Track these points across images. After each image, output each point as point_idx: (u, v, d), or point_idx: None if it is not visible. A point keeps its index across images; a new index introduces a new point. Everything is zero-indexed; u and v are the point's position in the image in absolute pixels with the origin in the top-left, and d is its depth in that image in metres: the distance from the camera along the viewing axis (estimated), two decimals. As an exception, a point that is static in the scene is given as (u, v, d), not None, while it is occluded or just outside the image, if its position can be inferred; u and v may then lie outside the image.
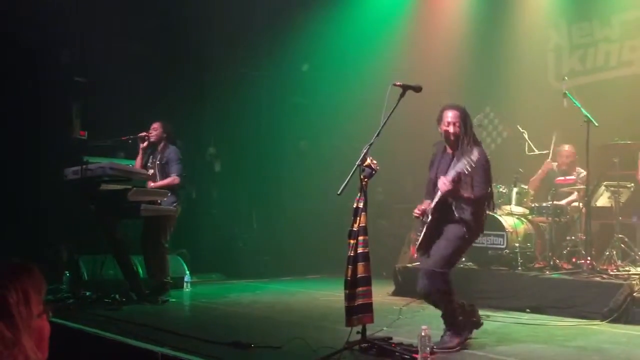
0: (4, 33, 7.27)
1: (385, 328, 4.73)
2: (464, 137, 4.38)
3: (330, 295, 6.99)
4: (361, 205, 4.07)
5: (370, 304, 4.01)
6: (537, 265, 6.63)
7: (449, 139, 4.45)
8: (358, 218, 4.05)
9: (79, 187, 6.33)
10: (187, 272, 7.65)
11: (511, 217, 6.86)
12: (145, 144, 6.80)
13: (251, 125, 10.01)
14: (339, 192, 3.97)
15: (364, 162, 4.06)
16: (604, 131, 6.40)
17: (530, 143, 7.37)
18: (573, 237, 6.68)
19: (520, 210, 7.07)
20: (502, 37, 9.05)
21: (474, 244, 4.80)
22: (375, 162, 4.07)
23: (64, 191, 6.75)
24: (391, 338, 4.24)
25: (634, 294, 5.31)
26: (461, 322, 4.40)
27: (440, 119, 4.50)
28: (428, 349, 3.61)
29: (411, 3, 9.95)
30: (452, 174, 4.21)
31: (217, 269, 9.08)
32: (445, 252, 4.29)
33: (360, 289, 3.98)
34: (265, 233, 9.82)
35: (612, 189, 6.54)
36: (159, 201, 6.51)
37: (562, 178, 7.13)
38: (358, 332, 4.05)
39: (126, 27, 8.15)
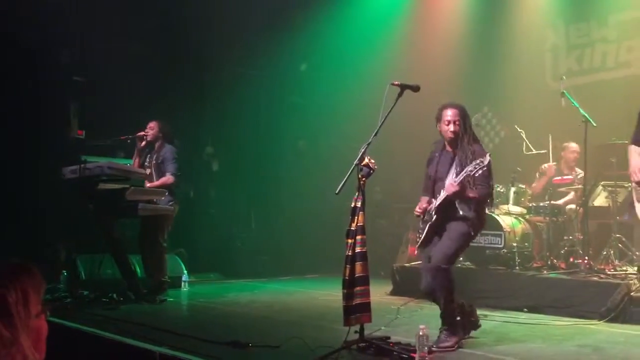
0: (3, 33, 7.26)
1: (383, 327, 4.73)
2: (464, 135, 4.41)
3: (328, 294, 7.00)
4: (359, 204, 4.07)
5: (368, 304, 4.02)
6: (534, 265, 6.64)
7: (449, 138, 4.47)
8: (356, 217, 4.05)
9: (76, 186, 6.32)
10: (185, 271, 7.65)
11: (509, 216, 6.87)
12: (143, 143, 6.80)
13: (249, 124, 10.01)
14: (337, 192, 3.99)
15: (362, 162, 4.07)
16: (602, 131, 6.42)
17: (527, 143, 7.38)
18: (570, 237, 6.70)
19: (518, 209, 7.08)
20: (500, 37, 9.06)
21: (471, 244, 4.81)
22: (373, 161, 4.08)
23: (62, 190, 6.75)
24: (389, 337, 4.25)
25: (632, 294, 5.32)
26: (459, 322, 4.41)
27: (439, 118, 4.51)
28: (426, 348, 3.61)
29: (409, 3, 9.96)
30: (460, 176, 4.22)
31: (215, 268, 9.08)
32: (449, 250, 4.33)
33: (358, 288, 3.98)
34: (263, 232, 9.82)
35: (610, 188, 6.55)
36: (156, 200, 6.51)
37: (560, 178, 7.14)
38: (356, 332, 4.05)
39: (124, 27, 8.15)
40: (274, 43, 9.58)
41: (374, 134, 4.17)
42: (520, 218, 6.97)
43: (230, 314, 6.06)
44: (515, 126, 7.51)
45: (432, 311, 5.99)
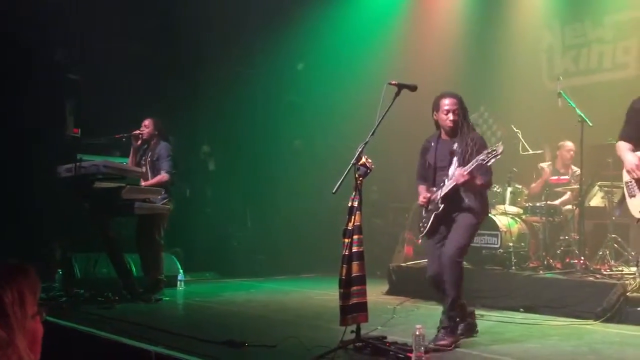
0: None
1: (379, 327, 4.73)
2: (463, 124, 4.46)
3: (324, 294, 7.00)
4: (356, 204, 4.07)
5: (365, 303, 4.01)
6: (530, 265, 6.65)
7: (448, 127, 4.50)
8: (353, 217, 4.05)
9: (72, 184, 6.30)
10: (181, 270, 7.64)
11: (505, 216, 6.88)
12: (139, 142, 6.79)
13: (246, 123, 9.99)
14: (334, 191, 3.98)
15: (359, 161, 4.06)
16: (598, 131, 6.42)
17: (524, 142, 7.39)
18: (567, 237, 6.71)
19: (514, 209, 7.09)
20: (497, 37, 9.07)
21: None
22: (370, 161, 4.07)
23: (57, 189, 6.72)
24: (385, 337, 4.24)
25: (627, 294, 5.33)
26: (458, 323, 4.43)
27: (437, 107, 4.54)
28: (422, 348, 3.60)
29: (406, 3, 9.96)
30: (471, 165, 4.24)
31: (211, 267, 9.06)
32: (461, 243, 4.39)
33: (354, 288, 3.98)
34: (259, 232, 9.80)
35: (606, 189, 6.57)
36: (151, 199, 6.49)
37: (556, 177, 7.16)
38: (352, 331, 4.04)
39: (121, 25, 8.12)
40: (270, 42, 9.57)
41: (371, 134, 4.17)
42: (516, 218, 6.98)
43: (226, 313, 6.05)
44: (512, 126, 7.52)
45: (428, 311, 6.02)
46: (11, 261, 1.72)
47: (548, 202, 6.82)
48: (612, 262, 6.30)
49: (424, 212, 4.64)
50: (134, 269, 6.86)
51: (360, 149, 4.10)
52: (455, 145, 4.47)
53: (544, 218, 6.80)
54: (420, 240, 4.82)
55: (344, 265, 4.00)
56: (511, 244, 6.64)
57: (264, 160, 10.15)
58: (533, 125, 7.72)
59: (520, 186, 7.27)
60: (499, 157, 4.17)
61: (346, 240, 4.03)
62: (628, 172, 4.49)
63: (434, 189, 4.57)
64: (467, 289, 5.99)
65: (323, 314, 5.70)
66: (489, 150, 4.19)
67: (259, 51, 9.75)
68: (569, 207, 6.90)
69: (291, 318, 5.63)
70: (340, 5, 9.68)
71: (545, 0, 9.02)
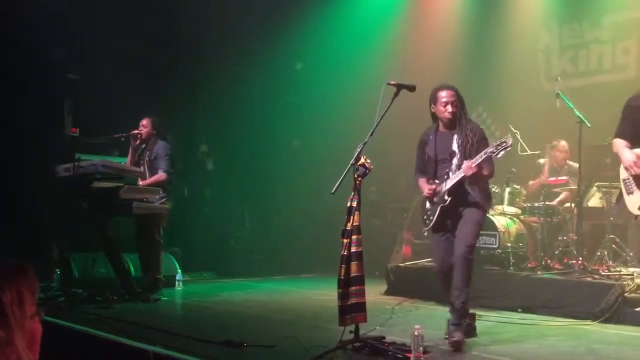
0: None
1: (378, 327, 4.72)
2: (461, 114, 4.48)
3: (323, 294, 6.99)
4: (355, 204, 4.06)
5: (364, 303, 4.01)
6: (529, 265, 6.66)
7: (447, 119, 4.52)
8: (352, 217, 4.05)
9: (70, 184, 6.29)
10: (179, 270, 7.63)
11: (503, 217, 6.89)
12: (137, 141, 6.78)
13: (244, 123, 9.98)
14: (332, 191, 3.98)
15: (358, 161, 4.06)
16: (597, 132, 6.43)
17: (522, 143, 7.39)
18: (565, 238, 6.72)
19: (512, 210, 7.10)
20: (495, 36, 9.08)
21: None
22: (369, 161, 4.07)
23: (56, 188, 6.71)
24: (384, 337, 4.23)
25: (625, 294, 5.33)
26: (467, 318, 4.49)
27: (434, 100, 4.56)
28: (421, 348, 3.61)
29: (404, 3, 9.96)
30: (480, 156, 4.26)
31: (209, 267, 9.06)
32: (472, 241, 4.45)
33: (353, 288, 3.98)
34: (257, 232, 9.80)
35: (604, 189, 6.58)
36: (149, 198, 6.48)
37: (554, 178, 7.17)
38: (351, 331, 4.04)
39: (120, 26, 8.12)
40: (269, 42, 9.57)
41: (370, 134, 4.17)
42: (514, 218, 6.99)
43: (224, 313, 6.04)
44: (510, 126, 7.51)
45: (426, 311, 6.04)
46: (10, 261, 1.72)
47: (546, 203, 6.83)
48: (610, 263, 6.30)
49: (427, 205, 4.64)
50: (132, 268, 6.86)
51: (359, 149, 4.10)
52: (454, 137, 4.47)
53: (542, 218, 6.81)
54: (425, 233, 4.81)
55: (343, 266, 4.00)
56: (509, 245, 6.65)
57: (262, 160, 10.14)
58: (531, 125, 7.73)
59: (518, 186, 7.28)
60: (508, 149, 4.19)
61: (345, 241, 4.03)
62: (626, 169, 4.48)
63: (437, 181, 4.57)
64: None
65: (321, 314, 5.69)
66: (498, 143, 4.22)
67: (257, 51, 9.75)
68: (567, 205, 6.90)
69: (290, 318, 5.63)
70: (339, 5, 9.68)
71: (543, 0, 9.02)
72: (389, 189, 9.78)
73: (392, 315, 5.45)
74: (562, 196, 7.07)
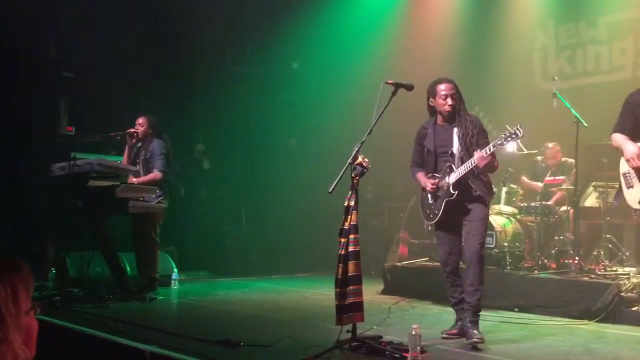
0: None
1: (375, 327, 4.71)
2: (461, 107, 4.50)
3: (319, 293, 6.99)
4: (352, 203, 4.05)
5: (361, 303, 4.00)
6: (525, 265, 6.66)
7: (447, 112, 4.52)
8: (349, 216, 4.03)
9: (66, 183, 6.26)
10: (175, 269, 7.61)
11: (500, 216, 6.89)
12: (134, 140, 6.76)
13: (241, 122, 9.97)
14: (330, 190, 3.97)
15: (356, 160, 4.05)
16: (593, 132, 6.43)
17: (519, 142, 7.39)
18: (561, 237, 6.72)
19: (509, 209, 7.10)
20: (491, 36, 9.08)
21: (463, 243, 4.82)
22: (367, 160, 4.06)
23: (51, 187, 6.68)
24: (381, 337, 4.23)
25: (622, 294, 5.34)
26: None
27: (433, 93, 4.56)
28: (418, 347, 3.59)
29: (401, 2, 9.95)
30: (492, 147, 4.27)
31: (205, 266, 9.04)
32: (483, 238, 4.51)
33: (351, 287, 3.96)
34: (254, 231, 9.78)
35: (600, 189, 6.58)
36: (145, 197, 6.46)
37: (551, 178, 7.17)
38: (348, 331, 4.03)
39: (116, 23, 8.10)
40: (265, 41, 9.56)
41: (367, 133, 4.16)
42: (511, 218, 6.99)
43: (221, 312, 6.03)
44: (507, 126, 7.48)
45: (423, 310, 6.04)
46: (3, 257, 1.70)
47: (543, 202, 6.83)
48: (607, 262, 6.30)
49: (430, 200, 4.61)
50: (128, 267, 6.83)
51: (356, 149, 4.08)
52: (455, 130, 4.47)
53: (538, 218, 6.81)
54: (429, 228, 4.79)
55: (340, 265, 3.98)
56: (506, 244, 6.65)
57: (259, 159, 10.13)
58: (528, 125, 7.68)
59: (515, 186, 7.28)
60: (519, 140, 4.19)
61: (342, 240, 4.02)
62: (628, 161, 4.44)
63: (437, 175, 4.56)
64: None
65: (318, 314, 5.67)
66: (508, 134, 4.21)
67: (254, 50, 9.74)
68: (564, 207, 6.91)
69: (286, 317, 5.62)
70: (335, 4, 9.66)
71: (539, 0, 9.03)
72: (385, 189, 9.77)
73: (389, 314, 5.46)
74: (558, 194, 7.07)
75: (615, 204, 5.66)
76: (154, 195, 6.50)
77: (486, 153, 4.27)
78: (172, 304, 6.68)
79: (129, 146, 6.80)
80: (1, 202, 7.24)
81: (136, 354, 3.91)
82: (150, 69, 8.55)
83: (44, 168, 6.52)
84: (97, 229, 6.47)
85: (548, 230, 6.89)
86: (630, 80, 7.89)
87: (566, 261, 6.44)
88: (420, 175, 4.70)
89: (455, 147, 4.46)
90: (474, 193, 4.45)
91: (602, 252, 6.38)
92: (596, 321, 5.25)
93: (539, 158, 7.45)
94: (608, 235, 6.44)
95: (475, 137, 4.44)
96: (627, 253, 6.43)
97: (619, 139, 4.52)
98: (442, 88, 4.52)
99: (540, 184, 7.23)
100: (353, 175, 4.07)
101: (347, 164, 4.06)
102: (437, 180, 4.55)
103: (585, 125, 6.20)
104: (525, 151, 7.37)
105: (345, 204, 4.08)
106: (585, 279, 5.80)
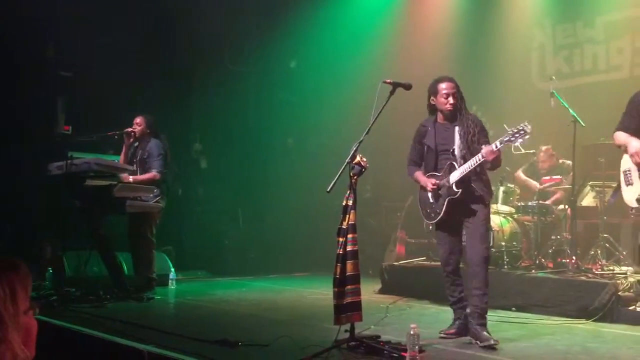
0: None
1: (372, 326, 4.71)
2: (462, 106, 4.51)
3: (317, 293, 7.00)
4: (351, 202, 4.04)
5: (359, 302, 3.99)
6: (522, 264, 6.66)
7: (448, 110, 4.52)
8: (347, 216, 4.02)
9: (63, 182, 6.25)
10: (173, 269, 7.60)
11: (497, 215, 6.89)
12: (131, 139, 6.75)
13: (238, 122, 9.96)
14: (328, 190, 3.96)
15: (354, 160, 4.04)
16: (590, 131, 6.45)
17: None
18: (558, 237, 6.74)
19: (506, 209, 7.10)
20: (489, 36, 9.08)
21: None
22: (365, 159, 4.05)
23: (48, 186, 6.66)
24: (379, 336, 4.23)
25: (619, 293, 5.35)
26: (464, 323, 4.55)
27: (435, 91, 4.56)
28: (417, 347, 3.59)
29: (398, 1, 9.95)
30: (501, 143, 4.26)
31: (202, 266, 9.03)
32: (487, 241, 4.55)
33: (349, 287, 3.96)
34: (251, 230, 9.78)
35: (598, 188, 6.59)
36: (142, 197, 6.45)
37: (548, 177, 7.18)
38: (346, 331, 4.02)
39: (113, 22, 8.07)
40: (263, 40, 9.55)
41: (365, 132, 4.15)
42: (508, 217, 7.00)
43: (218, 312, 6.02)
44: (504, 125, 7.51)
45: (420, 310, 6.04)
46: (1, 257, 1.69)
47: (540, 202, 6.84)
48: (604, 262, 6.32)
49: (431, 199, 4.59)
50: (125, 267, 6.82)
51: (355, 148, 4.08)
52: (457, 129, 4.47)
53: (536, 217, 6.82)
54: (430, 228, 4.77)
55: (339, 264, 3.97)
56: (503, 243, 6.66)
57: (257, 158, 10.12)
58: (508, 130, 7.73)
59: (512, 185, 7.29)
60: (527, 137, 4.18)
61: (341, 239, 4.01)
62: (631, 156, 4.42)
63: (436, 174, 4.55)
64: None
65: (316, 313, 5.67)
66: (516, 130, 4.21)
67: (252, 49, 9.73)
68: (561, 207, 6.92)
69: (284, 317, 5.61)
70: (333, 3, 9.66)
71: (536, 0, 9.04)
72: (383, 188, 9.78)
73: (387, 314, 5.45)
74: (556, 195, 7.08)
75: (612, 201, 5.66)
76: (151, 195, 6.49)
77: (496, 147, 4.26)
78: (170, 304, 6.67)
79: (126, 145, 6.78)
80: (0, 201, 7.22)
81: (134, 353, 3.90)
82: (147, 68, 8.53)
83: (41, 167, 6.50)
84: (95, 228, 6.46)
85: (545, 229, 6.90)
86: (628, 80, 7.92)
87: (563, 260, 6.45)
88: (419, 174, 4.68)
89: (457, 145, 4.45)
90: (476, 193, 4.45)
91: (599, 252, 6.39)
92: (593, 320, 5.26)
93: (537, 158, 7.46)
94: (605, 235, 6.45)
95: (477, 136, 4.44)
96: (624, 252, 6.44)
97: (622, 136, 4.52)
98: (444, 87, 4.51)
99: (537, 184, 7.24)
100: (351, 174, 4.07)
101: (346, 163, 4.06)
102: (438, 179, 4.53)
103: (583, 124, 6.20)
104: (523, 151, 7.36)
105: (344, 204, 4.07)
106: (583, 278, 5.80)
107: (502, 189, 7.13)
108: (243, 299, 6.83)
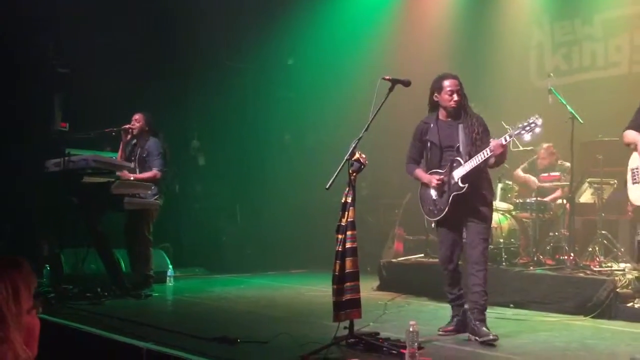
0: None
1: (371, 323, 4.71)
2: (465, 103, 4.50)
3: (315, 290, 7.00)
4: (350, 199, 4.03)
5: (359, 299, 3.99)
6: (521, 261, 6.66)
7: (452, 107, 4.51)
8: (346, 213, 4.01)
9: (60, 179, 6.22)
10: (170, 266, 7.59)
11: (496, 212, 6.86)
12: (129, 136, 6.73)
13: (236, 119, 9.94)
14: (327, 187, 3.94)
15: (353, 156, 4.03)
16: (588, 128, 6.45)
17: (515, 139, 7.39)
18: (556, 233, 6.74)
19: (504, 206, 7.10)
20: (488, 33, 9.07)
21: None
22: (364, 156, 4.04)
23: (45, 183, 6.64)
24: (378, 333, 4.22)
25: (617, 290, 5.36)
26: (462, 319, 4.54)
27: (439, 88, 4.54)
28: (416, 344, 3.59)
29: (397, -1, 9.96)
30: (510, 136, 4.27)
31: (200, 263, 9.02)
32: (489, 236, 4.57)
33: (348, 284, 3.95)
34: (249, 227, 9.77)
35: (596, 185, 6.59)
36: (140, 194, 6.43)
37: (547, 174, 7.18)
38: (345, 327, 4.02)
39: (111, 19, 8.04)
40: (261, 37, 9.52)
41: (364, 129, 4.13)
42: (506, 214, 7.00)
43: (216, 309, 6.01)
44: (502, 122, 7.51)
45: (419, 307, 6.04)
46: (3, 255, 1.67)
47: (538, 199, 6.84)
48: (602, 258, 6.33)
49: (434, 196, 4.56)
50: (122, 264, 6.80)
51: (354, 144, 4.07)
52: (461, 126, 4.46)
53: (534, 214, 6.82)
54: (433, 225, 4.74)
55: (338, 261, 3.96)
56: (501, 240, 6.66)
57: (254, 155, 10.11)
58: (516, 123, 7.73)
59: (510, 182, 7.29)
60: (538, 130, 4.17)
61: (340, 236, 4.00)
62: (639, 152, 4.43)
63: (438, 171, 4.53)
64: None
65: (314, 310, 5.67)
66: (526, 124, 4.20)
67: (250, 46, 9.70)
68: (559, 202, 6.93)
69: (282, 314, 5.61)
70: (331, 0, 9.63)
71: (535, -3, 9.06)
72: (380, 185, 9.77)
73: (385, 311, 5.45)
74: (556, 193, 7.09)
75: (618, 197, 5.65)
76: (149, 192, 6.47)
77: (505, 140, 4.26)
78: (168, 301, 6.67)
79: (123, 142, 6.76)
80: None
81: (132, 351, 3.89)
82: (145, 65, 8.50)
83: (39, 164, 6.47)
84: (92, 225, 6.43)
85: (543, 226, 6.90)
86: (626, 77, 7.93)
87: (561, 257, 6.45)
88: (420, 172, 4.67)
89: (462, 142, 4.44)
90: (479, 190, 4.45)
91: (597, 248, 6.40)
92: (592, 317, 5.27)
93: (536, 157, 7.45)
94: (603, 232, 6.45)
95: (481, 135, 4.43)
96: (622, 249, 6.45)
97: (632, 134, 4.53)
98: (448, 84, 4.50)
99: (535, 179, 7.24)
100: (350, 171, 4.05)
101: (345, 159, 4.04)
102: (441, 175, 4.50)
103: (581, 121, 6.20)
104: (521, 148, 7.38)
105: (343, 200, 4.06)
106: (581, 275, 5.81)
107: (500, 186, 7.13)
108: (241, 296, 6.82)
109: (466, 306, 4.55)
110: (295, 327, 4.68)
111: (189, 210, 9.55)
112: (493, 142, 4.28)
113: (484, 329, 4.33)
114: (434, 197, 4.57)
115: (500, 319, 5.29)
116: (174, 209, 8.45)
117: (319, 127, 10.00)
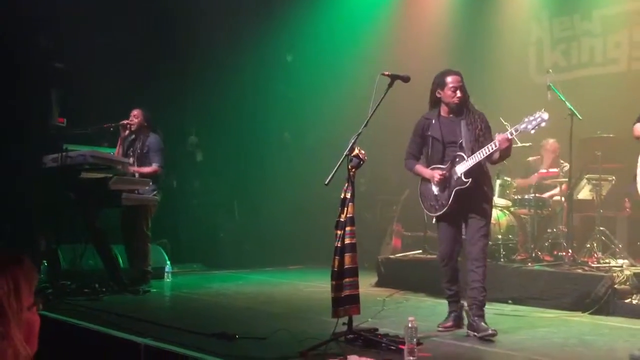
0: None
1: (370, 319, 4.71)
2: (467, 100, 4.51)
3: (313, 286, 7.00)
4: (349, 195, 4.03)
5: (357, 295, 3.98)
6: (519, 257, 6.68)
7: (455, 104, 4.50)
8: (345, 208, 4.01)
9: (58, 175, 6.20)
10: (168, 262, 7.57)
11: (494, 209, 6.85)
12: (127, 132, 6.71)
13: (234, 115, 9.91)
14: (326, 182, 3.93)
15: (352, 152, 4.02)
16: (587, 125, 6.45)
17: (515, 137, 7.38)
18: (554, 230, 6.76)
19: (503, 202, 7.11)
20: (486, 29, 9.07)
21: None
22: (363, 152, 4.03)
23: (43, 179, 6.62)
24: (377, 329, 4.23)
25: (615, 286, 5.37)
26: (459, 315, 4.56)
27: (442, 85, 4.53)
28: (415, 340, 3.59)
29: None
30: (517, 131, 4.27)
31: (198, 259, 9.01)
32: (488, 233, 4.57)
33: (347, 280, 3.95)
34: (247, 223, 9.76)
35: (594, 182, 6.60)
36: (139, 190, 6.41)
37: (545, 171, 7.18)
38: (344, 323, 4.01)
39: (109, 14, 8.00)
40: (260, 33, 9.49)
41: (364, 125, 4.12)
42: (505, 210, 7.00)
43: (214, 305, 6.00)
44: (501, 118, 7.52)
45: (417, 303, 6.05)
46: (4, 251, 1.66)
47: (537, 195, 6.85)
48: (600, 255, 6.34)
49: (436, 191, 4.55)
50: (120, 260, 6.79)
51: (353, 140, 4.06)
52: (463, 123, 4.46)
53: (532, 210, 6.83)
54: (434, 220, 4.72)
55: (337, 257, 3.96)
56: (500, 237, 6.66)
57: (252, 150, 10.10)
58: (522, 118, 7.73)
59: (509, 179, 7.28)
60: (544, 124, 4.17)
61: (339, 232, 3.99)
62: None
63: (440, 166, 4.52)
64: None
65: (312, 306, 5.67)
66: (532, 118, 4.20)
67: (248, 42, 9.67)
68: (558, 198, 6.94)
69: (280, 310, 5.60)
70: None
71: (534, -7, 9.05)
72: (378, 181, 9.77)
73: (384, 307, 5.45)
74: (554, 191, 7.09)
75: (630, 189, 5.61)
76: (147, 188, 6.46)
77: (511, 135, 4.26)
78: (166, 297, 6.65)
79: (121, 138, 6.75)
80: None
81: (130, 346, 3.89)
82: (143, 61, 8.46)
83: (36, 160, 6.45)
84: (90, 221, 6.42)
85: (541, 222, 6.91)
86: (625, 73, 7.93)
87: (559, 253, 6.47)
88: (421, 167, 4.65)
89: (465, 138, 4.43)
90: (481, 186, 4.45)
91: (595, 245, 6.42)
92: (590, 313, 5.28)
93: (531, 159, 7.45)
94: (601, 228, 6.47)
95: (483, 131, 4.43)
96: (620, 245, 6.47)
97: None
98: (451, 80, 4.50)
99: (534, 176, 7.24)
100: (349, 167, 4.04)
101: (344, 155, 4.03)
102: (444, 171, 4.49)
103: (580, 117, 6.20)
104: (519, 144, 7.37)
105: (342, 196, 4.05)
106: (579, 271, 5.83)
107: (498, 182, 7.13)
108: (239, 292, 6.81)
109: (463, 302, 4.55)
110: (294, 323, 4.68)
111: (187, 206, 9.53)
112: (499, 136, 4.28)
113: (483, 324, 4.33)
114: (436, 193, 4.56)
115: (498, 315, 5.30)
116: (172, 205, 8.43)
117: (318, 123, 9.98)
